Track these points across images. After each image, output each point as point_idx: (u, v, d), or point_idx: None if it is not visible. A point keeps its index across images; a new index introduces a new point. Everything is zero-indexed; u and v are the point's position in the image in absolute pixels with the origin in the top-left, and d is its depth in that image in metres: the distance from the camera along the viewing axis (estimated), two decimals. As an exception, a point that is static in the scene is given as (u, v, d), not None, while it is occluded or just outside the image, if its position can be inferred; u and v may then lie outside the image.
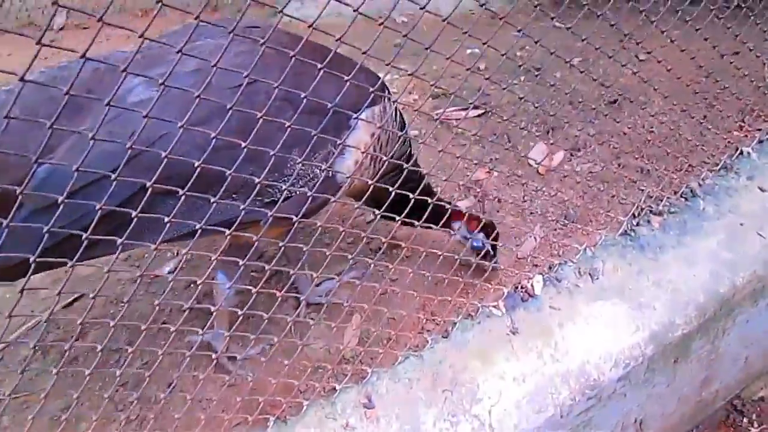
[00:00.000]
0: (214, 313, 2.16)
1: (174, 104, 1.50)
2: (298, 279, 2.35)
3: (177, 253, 2.65)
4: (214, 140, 1.32)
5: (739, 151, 2.67)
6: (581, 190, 2.64)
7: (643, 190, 2.60)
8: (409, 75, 1.48)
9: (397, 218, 1.81)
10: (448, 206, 2.08)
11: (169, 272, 2.60)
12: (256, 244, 1.94)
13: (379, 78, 1.78)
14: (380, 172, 1.94)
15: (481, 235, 2.29)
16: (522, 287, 2.23)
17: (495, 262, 2.28)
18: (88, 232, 1.25)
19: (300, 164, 1.66)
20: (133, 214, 1.31)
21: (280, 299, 2.36)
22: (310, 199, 1.64)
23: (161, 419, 2.05)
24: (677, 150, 2.74)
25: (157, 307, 1.65)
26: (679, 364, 2.41)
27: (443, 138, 2.98)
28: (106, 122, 1.24)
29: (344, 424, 1.93)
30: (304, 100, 1.42)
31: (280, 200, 1.57)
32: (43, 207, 1.46)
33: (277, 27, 1.32)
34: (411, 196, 1.77)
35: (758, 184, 2.58)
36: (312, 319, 2.25)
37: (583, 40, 1.83)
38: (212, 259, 1.50)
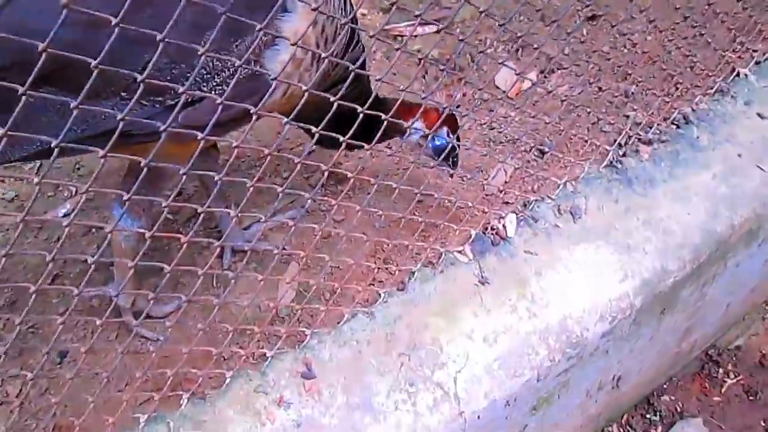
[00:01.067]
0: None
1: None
2: (222, 220, 1.92)
3: (76, 192, 2.18)
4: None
5: (735, 73, 2.33)
6: (557, 116, 2.26)
7: (628, 116, 2.25)
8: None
9: (341, 139, 1.38)
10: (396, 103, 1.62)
11: (65, 215, 2.14)
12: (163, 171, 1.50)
13: None
14: (324, 78, 1.52)
15: (444, 130, 1.82)
16: (492, 229, 1.87)
17: (456, 163, 1.88)
18: None
19: (215, 53, 1.23)
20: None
21: (201, 246, 1.96)
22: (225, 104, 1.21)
23: (46, 398, 1.64)
24: (665, 71, 2.38)
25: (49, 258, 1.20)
26: (665, 314, 2.12)
27: (396, 58, 2.56)
28: None
29: (277, 399, 1.56)
30: None
31: (180, 103, 1.10)
32: None
33: None
34: (360, 110, 1.35)
35: (757, 110, 2.26)
36: (232, 271, 1.84)
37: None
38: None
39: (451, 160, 1.84)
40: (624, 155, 2.07)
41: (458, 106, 2.29)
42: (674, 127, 2.16)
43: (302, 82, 1.42)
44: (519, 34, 1.72)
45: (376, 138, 1.52)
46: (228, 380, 1.55)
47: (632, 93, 2.33)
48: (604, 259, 1.88)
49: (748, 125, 2.22)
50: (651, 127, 2.14)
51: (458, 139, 1.86)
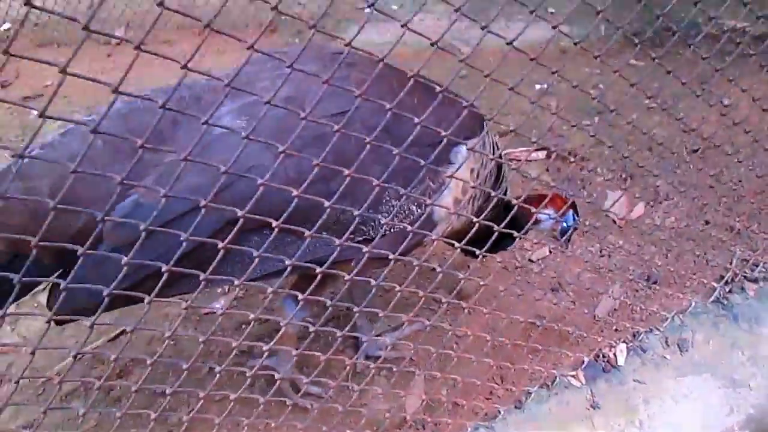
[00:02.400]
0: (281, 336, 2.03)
1: (264, 134, 1.34)
2: (360, 327, 2.18)
3: (228, 290, 2.52)
4: (306, 173, 1.20)
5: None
6: (664, 248, 2.43)
7: (733, 251, 2.39)
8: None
9: (478, 253, 1.61)
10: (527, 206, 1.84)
11: (220, 309, 2.47)
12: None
13: (477, 108, 1.64)
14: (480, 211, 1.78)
15: (571, 212, 2.02)
16: (603, 356, 2.04)
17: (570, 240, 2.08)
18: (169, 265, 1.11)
19: (396, 199, 1.53)
20: (220, 245, 1.15)
21: (337, 347, 2.23)
22: (406, 237, 1.49)
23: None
24: (770, 208, 2.52)
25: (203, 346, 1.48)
26: (770, 448, 2.18)
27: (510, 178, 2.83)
28: (193, 155, 1.10)
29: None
30: (403, 131, 1.27)
31: (376, 237, 1.40)
32: (125, 244, 1.34)
33: (362, 54, 1.19)
34: (495, 228, 1.57)
35: None
36: (365, 374, 2.08)
37: (668, 73, 1.61)
38: (275, 291, 1.35)
39: (569, 237, 2.05)
40: (730, 291, 2.21)
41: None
42: (779, 265, 2.29)
43: (460, 217, 1.70)
44: (627, 164, 1.92)
45: (519, 234, 1.75)
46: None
47: (738, 229, 2.47)
48: (711, 392, 2.00)
49: None
50: (757, 266, 2.27)
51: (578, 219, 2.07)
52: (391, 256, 1.40)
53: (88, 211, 0.97)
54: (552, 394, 1.96)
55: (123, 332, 2.38)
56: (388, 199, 1.57)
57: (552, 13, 3.63)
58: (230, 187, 1.38)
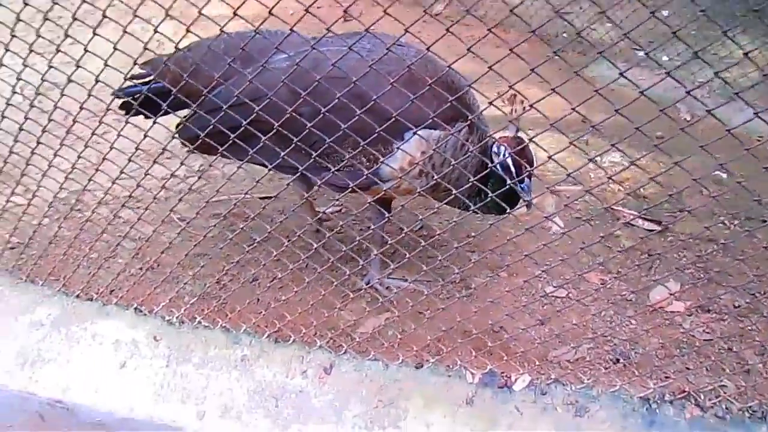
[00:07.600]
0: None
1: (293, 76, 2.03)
2: (373, 259, 2.81)
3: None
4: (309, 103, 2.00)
5: None
6: (671, 342, 2.51)
7: (721, 380, 2.35)
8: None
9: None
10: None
11: (330, 211, 3.34)
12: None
13: (467, 111, 2.21)
14: (434, 185, 2.33)
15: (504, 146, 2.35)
16: (507, 376, 2.36)
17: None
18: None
19: (353, 148, 2.20)
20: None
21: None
22: (356, 177, 2.21)
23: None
24: None
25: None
26: None
27: (596, 230, 3.04)
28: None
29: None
30: (374, 104, 1.89)
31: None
32: (212, 109, 2.24)
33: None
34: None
35: None
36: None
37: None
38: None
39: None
40: (670, 402, 2.24)
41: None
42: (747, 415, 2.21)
43: (412, 184, 2.28)
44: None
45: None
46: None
47: (748, 368, 2.39)
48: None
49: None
50: (718, 398, 2.24)
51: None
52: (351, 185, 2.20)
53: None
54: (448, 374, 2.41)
55: (268, 197, 3.39)
56: (348, 145, 2.23)
57: None
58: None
